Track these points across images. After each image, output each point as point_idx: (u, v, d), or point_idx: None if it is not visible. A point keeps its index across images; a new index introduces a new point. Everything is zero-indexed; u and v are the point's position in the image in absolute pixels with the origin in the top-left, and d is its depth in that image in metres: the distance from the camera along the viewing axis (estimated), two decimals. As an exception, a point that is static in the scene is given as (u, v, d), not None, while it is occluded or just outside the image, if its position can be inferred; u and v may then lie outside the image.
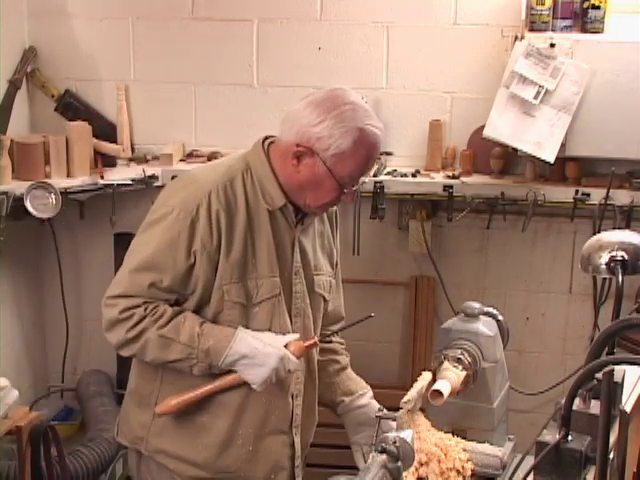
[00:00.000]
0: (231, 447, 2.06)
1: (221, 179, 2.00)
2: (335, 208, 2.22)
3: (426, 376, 1.99)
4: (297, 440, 2.15)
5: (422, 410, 1.99)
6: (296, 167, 1.97)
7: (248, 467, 2.09)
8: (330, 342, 2.30)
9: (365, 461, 2.11)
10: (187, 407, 2.03)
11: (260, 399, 2.04)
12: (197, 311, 2.01)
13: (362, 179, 2.03)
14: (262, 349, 1.96)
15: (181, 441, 2.07)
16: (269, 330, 2.02)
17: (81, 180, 3.25)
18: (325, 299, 2.19)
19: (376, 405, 2.22)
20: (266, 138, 2.07)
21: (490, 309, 2.14)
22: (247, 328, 2.00)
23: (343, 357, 2.33)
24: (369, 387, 2.31)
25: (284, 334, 2.03)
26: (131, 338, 1.97)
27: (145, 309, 1.96)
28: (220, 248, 1.96)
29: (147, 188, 3.35)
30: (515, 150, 3.08)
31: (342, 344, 2.36)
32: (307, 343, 2.04)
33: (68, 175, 3.25)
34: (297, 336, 2.04)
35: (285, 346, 1.99)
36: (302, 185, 1.98)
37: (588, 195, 3.15)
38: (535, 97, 2.99)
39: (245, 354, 1.96)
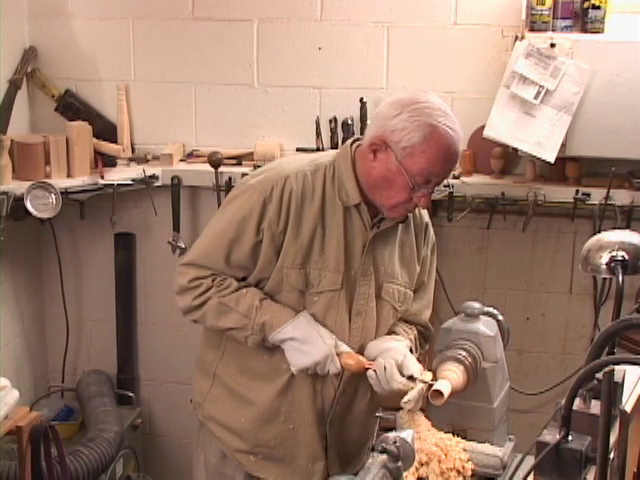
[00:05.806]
0: (273, 422, 2.12)
1: (302, 168, 2.05)
2: (426, 221, 2.24)
3: (426, 376, 1.99)
4: (330, 434, 2.16)
5: (422, 410, 1.99)
6: (372, 162, 1.99)
7: (288, 446, 2.14)
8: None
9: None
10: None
11: (306, 381, 2.08)
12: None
13: (437, 181, 1.98)
14: (314, 340, 2.00)
15: (229, 410, 2.16)
16: (323, 322, 2.04)
17: (81, 180, 3.25)
18: (395, 308, 2.16)
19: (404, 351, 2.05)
20: (357, 139, 2.10)
21: (490, 309, 2.14)
22: None
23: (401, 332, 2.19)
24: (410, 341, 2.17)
25: (343, 335, 2.05)
26: (196, 305, 2.07)
27: (213, 280, 2.05)
28: (286, 231, 2.01)
29: (147, 188, 3.36)
30: (515, 150, 3.08)
31: (407, 332, 2.21)
32: (367, 364, 2.03)
33: (68, 175, 3.25)
34: (351, 351, 2.04)
35: (339, 354, 2.01)
36: (376, 182, 2.00)
37: (588, 195, 3.14)
38: (535, 97, 2.99)
39: (295, 337, 2.01)
